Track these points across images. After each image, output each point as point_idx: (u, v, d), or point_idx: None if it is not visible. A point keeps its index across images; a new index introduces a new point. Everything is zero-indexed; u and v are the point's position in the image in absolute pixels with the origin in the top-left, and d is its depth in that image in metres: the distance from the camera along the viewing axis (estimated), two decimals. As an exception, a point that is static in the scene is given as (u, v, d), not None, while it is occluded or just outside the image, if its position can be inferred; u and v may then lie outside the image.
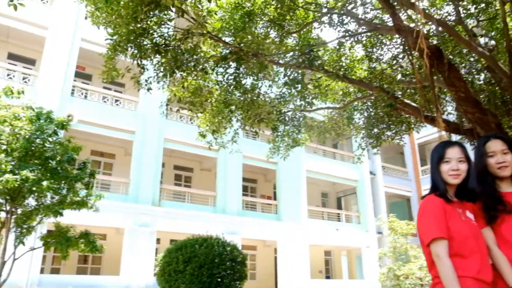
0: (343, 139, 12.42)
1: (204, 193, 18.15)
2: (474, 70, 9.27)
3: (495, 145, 2.45)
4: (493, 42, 9.35)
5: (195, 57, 7.33)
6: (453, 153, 2.33)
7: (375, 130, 9.77)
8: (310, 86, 7.72)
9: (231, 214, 17.85)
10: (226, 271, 8.27)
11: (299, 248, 19.25)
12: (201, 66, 7.49)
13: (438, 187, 2.33)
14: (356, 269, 22.78)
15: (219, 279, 8.17)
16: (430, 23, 8.37)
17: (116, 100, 16.99)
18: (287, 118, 9.68)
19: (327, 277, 22.60)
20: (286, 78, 7.20)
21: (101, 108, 16.15)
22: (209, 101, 8.76)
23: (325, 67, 7.68)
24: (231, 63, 7.70)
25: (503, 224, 2.29)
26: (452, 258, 2.12)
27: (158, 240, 16.41)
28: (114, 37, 6.12)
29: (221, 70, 7.97)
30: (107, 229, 16.00)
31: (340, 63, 8.94)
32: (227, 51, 7.63)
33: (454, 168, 2.30)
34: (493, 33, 9.20)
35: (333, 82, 9.24)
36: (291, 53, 7.90)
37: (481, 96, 8.45)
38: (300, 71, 7.14)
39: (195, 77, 7.89)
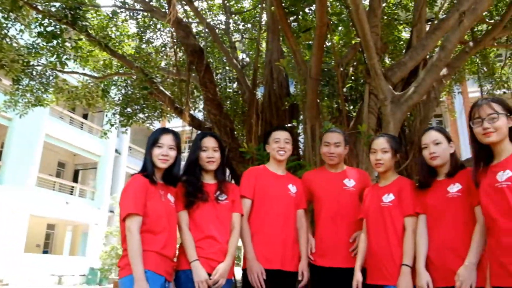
0: (95, 110, 11.88)
1: None
2: (228, 79, 10.39)
3: (208, 142, 2.81)
4: (248, 59, 10.72)
5: None
6: (166, 139, 2.57)
7: (129, 109, 9.73)
8: (68, 45, 7.07)
9: None
10: None
11: (17, 218, 17.22)
12: None
13: (147, 168, 2.52)
14: (79, 246, 21.98)
15: None
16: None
17: None
18: (34, 73, 8.59)
19: (45, 252, 21.01)
20: (42, 28, 6.38)
21: None
22: None
23: (90, 31, 7.20)
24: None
25: (197, 210, 2.64)
26: (143, 233, 2.34)
27: None
28: None
29: (-41, -9, 6.47)
30: None
31: (108, 32, 8.55)
32: (-27, -28, 6.27)
33: (164, 154, 2.54)
34: (251, 52, 10.53)
35: (96, 49, 8.75)
36: (57, 4, 7.08)
37: (227, 103, 9.51)
38: (60, 26, 6.45)
39: None
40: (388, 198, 2.65)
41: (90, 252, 20.91)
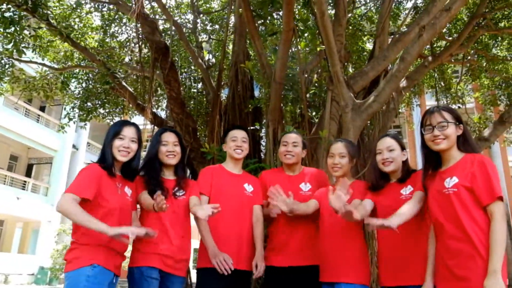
0: (53, 103, 11.45)
1: None
2: (192, 78, 10.31)
3: (168, 136, 2.78)
4: (213, 60, 10.68)
5: None
6: (128, 132, 2.51)
7: (89, 104, 9.46)
8: (27, 32, 6.78)
9: None
10: None
11: (-37, 212, 16.37)
12: None
13: (106, 159, 2.45)
14: (29, 243, 21.05)
15: None
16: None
17: None
18: (-10, 60, 8.22)
19: (-9, 249, 20.00)
20: (0, 13, 6.08)
21: None
22: None
23: (52, 20, 6.95)
24: None
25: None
26: None
27: None
28: None
29: None
30: None
31: (71, 23, 8.29)
32: None
33: (125, 146, 2.48)
34: (217, 53, 10.49)
35: (57, 40, 8.46)
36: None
37: (191, 102, 9.42)
38: (19, 12, 6.17)
39: None
40: None
41: (40, 251, 20.07)
